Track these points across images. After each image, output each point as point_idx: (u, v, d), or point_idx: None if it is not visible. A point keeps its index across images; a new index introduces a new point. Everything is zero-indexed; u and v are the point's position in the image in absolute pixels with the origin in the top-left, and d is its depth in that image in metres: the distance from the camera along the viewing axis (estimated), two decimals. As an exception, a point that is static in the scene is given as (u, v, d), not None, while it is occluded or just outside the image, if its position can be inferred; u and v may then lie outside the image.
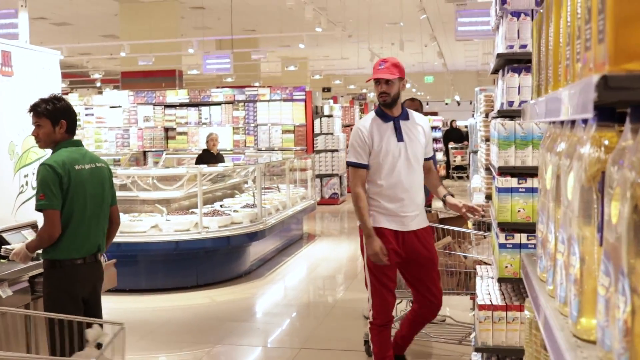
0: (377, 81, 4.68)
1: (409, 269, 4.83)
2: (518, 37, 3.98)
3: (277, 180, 12.04)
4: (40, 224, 4.60)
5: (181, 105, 16.23)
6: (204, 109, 16.12)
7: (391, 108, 4.75)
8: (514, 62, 4.06)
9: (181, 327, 6.77)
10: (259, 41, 22.83)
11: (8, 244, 4.39)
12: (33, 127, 4.23)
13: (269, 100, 15.87)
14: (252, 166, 10.25)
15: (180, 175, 9.08)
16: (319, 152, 16.51)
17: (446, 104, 38.46)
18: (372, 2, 18.13)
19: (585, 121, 1.40)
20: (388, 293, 4.75)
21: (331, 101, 18.24)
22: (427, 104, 39.14)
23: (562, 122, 1.71)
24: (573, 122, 1.59)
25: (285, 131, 15.80)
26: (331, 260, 10.41)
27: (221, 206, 9.35)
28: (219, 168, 10.02)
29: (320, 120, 16.85)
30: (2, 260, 4.31)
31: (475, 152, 9.60)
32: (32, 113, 4.20)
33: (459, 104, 36.70)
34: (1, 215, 4.91)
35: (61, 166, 4.13)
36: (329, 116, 17.07)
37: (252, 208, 9.13)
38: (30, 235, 4.61)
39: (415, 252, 4.71)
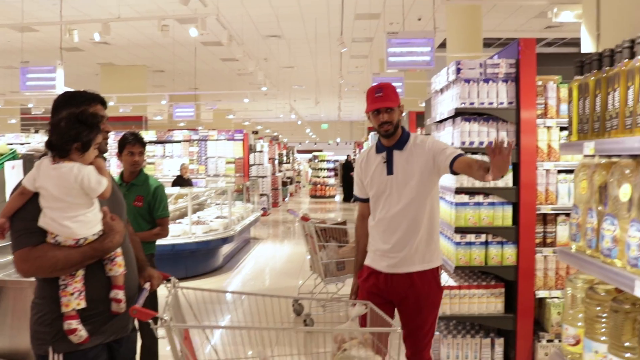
0: (377, 111, 3.03)
1: (399, 312, 3.14)
2: (468, 96, 4.07)
3: (234, 197, 11.76)
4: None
5: (150, 142, 15.59)
6: (168, 145, 15.56)
7: (389, 138, 3.09)
8: (464, 114, 4.13)
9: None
10: (201, 96, 22.35)
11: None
12: (134, 155, 3.97)
13: (216, 140, 15.48)
14: (226, 187, 9.76)
15: (170, 195, 8.70)
16: (253, 177, 16.26)
17: (328, 143, 38.47)
18: (289, 71, 18.18)
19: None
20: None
21: (262, 140, 17.98)
22: (315, 144, 39.36)
23: (633, 156, 1.75)
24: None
25: (228, 162, 15.41)
26: (275, 257, 10.26)
27: (199, 217, 9.04)
28: (202, 189, 9.68)
29: (254, 155, 16.62)
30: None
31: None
32: (138, 143, 3.92)
33: (337, 144, 37.10)
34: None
35: None
36: (260, 151, 16.89)
37: (224, 219, 8.88)
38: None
39: (400, 297, 3.06)
